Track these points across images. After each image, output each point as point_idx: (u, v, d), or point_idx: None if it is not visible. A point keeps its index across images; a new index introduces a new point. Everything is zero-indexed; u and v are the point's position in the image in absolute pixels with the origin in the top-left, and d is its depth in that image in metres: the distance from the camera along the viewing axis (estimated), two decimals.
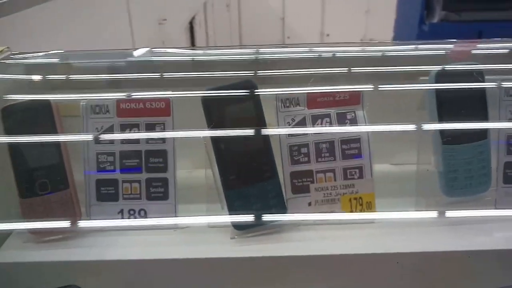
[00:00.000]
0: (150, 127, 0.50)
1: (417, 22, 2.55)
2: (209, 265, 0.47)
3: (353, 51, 0.63)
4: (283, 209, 0.49)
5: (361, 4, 3.89)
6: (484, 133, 0.49)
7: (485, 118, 0.48)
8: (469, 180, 0.49)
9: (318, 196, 0.50)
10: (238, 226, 0.48)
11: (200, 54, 0.67)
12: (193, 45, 3.09)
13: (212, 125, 0.47)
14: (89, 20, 1.45)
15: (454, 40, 0.63)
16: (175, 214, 0.50)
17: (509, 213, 0.50)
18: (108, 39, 1.61)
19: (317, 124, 0.50)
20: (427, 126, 0.48)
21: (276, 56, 0.63)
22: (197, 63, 0.63)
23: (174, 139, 0.50)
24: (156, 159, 0.50)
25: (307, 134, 0.50)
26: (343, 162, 0.50)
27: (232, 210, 0.48)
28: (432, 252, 0.47)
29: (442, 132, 0.48)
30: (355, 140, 0.50)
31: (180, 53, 0.70)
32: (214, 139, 0.48)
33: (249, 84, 0.48)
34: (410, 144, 0.51)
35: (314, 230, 0.50)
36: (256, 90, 0.48)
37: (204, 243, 0.49)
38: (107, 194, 0.51)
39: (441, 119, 0.48)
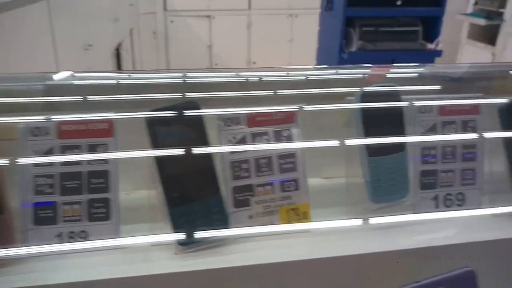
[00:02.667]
0: (92, 148, 0.50)
1: (337, 51, 2.73)
2: (154, 282, 0.48)
3: (279, 75, 0.68)
4: (226, 224, 0.51)
5: (284, 34, 4.09)
6: (402, 145, 0.55)
7: (402, 133, 0.55)
8: (392, 188, 0.55)
9: (258, 209, 0.53)
10: (182, 243, 0.50)
11: (126, 78, 0.69)
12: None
13: (156, 145, 0.49)
14: (12, 46, 1.40)
15: (366, 65, 0.70)
16: (117, 234, 0.51)
17: (426, 216, 0.57)
18: (32, 65, 1.55)
19: (257, 141, 0.53)
20: (353, 141, 0.54)
21: (203, 79, 0.67)
22: (122, 86, 0.64)
23: (117, 160, 0.50)
24: (97, 180, 0.50)
25: (247, 150, 0.53)
26: (280, 175, 0.53)
27: (176, 227, 0.49)
28: (362, 254, 0.51)
29: (367, 146, 0.54)
30: (290, 155, 0.54)
31: (112, 77, 0.71)
32: (158, 159, 0.49)
33: (193, 105, 0.51)
34: (338, 158, 0.57)
35: (255, 241, 0.53)
36: (199, 111, 0.51)
37: (148, 261, 0.49)
38: (45, 217, 0.49)
39: (366, 134, 0.54)
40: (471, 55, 3.41)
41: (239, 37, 4.13)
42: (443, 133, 0.57)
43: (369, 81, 0.73)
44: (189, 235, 0.50)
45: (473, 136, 0.58)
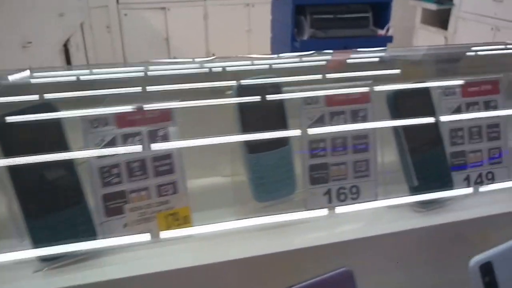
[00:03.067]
0: None
1: (289, 40, 2.70)
2: None
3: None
4: (93, 235, 0.48)
5: (242, 24, 4.04)
6: (285, 140, 0.53)
7: (284, 127, 0.52)
8: (275, 185, 0.52)
9: (133, 216, 0.49)
10: (45, 259, 0.46)
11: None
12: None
13: (9, 152, 0.45)
14: None
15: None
16: None
17: (317, 213, 0.55)
18: None
19: (128, 143, 0.50)
20: (228, 138, 0.51)
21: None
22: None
23: None
24: None
25: (117, 154, 0.49)
26: (156, 179, 0.50)
27: (36, 242, 0.45)
28: (252, 257, 0.49)
29: (246, 142, 0.51)
30: (166, 156, 0.50)
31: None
32: (11, 168, 0.45)
33: (48, 107, 0.47)
34: (225, 157, 0.53)
35: (133, 252, 0.49)
36: (58, 113, 0.47)
37: (5, 282, 0.45)
38: None
39: (244, 130, 0.51)
40: (425, 40, 3.44)
41: (196, 28, 4.05)
42: (331, 124, 0.55)
43: (330, 67, 0.70)
44: (52, 249, 0.46)
45: (364, 126, 0.56)
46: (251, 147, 0.51)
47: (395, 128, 0.55)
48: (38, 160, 0.45)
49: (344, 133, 0.55)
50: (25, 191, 0.45)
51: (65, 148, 0.47)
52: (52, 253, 0.46)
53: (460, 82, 0.59)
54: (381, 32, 2.71)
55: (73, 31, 3.06)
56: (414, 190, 0.55)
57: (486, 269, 0.45)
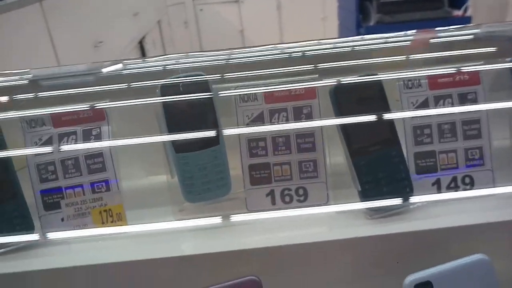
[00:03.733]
0: None
1: (354, 26, 2.59)
2: None
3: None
4: (31, 228, 0.51)
5: (317, 11, 3.95)
6: (216, 139, 0.51)
7: (215, 125, 0.50)
8: (206, 185, 0.51)
9: (70, 211, 0.52)
10: None
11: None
12: None
13: None
14: (11, 49, 1.48)
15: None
16: None
17: (258, 215, 0.52)
18: (33, 66, 1.64)
19: (63, 142, 0.52)
20: (159, 138, 0.50)
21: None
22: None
23: None
24: None
25: (52, 152, 0.51)
26: (89, 176, 0.52)
27: None
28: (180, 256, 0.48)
29: (173, 142, 0.50)
30: (98, 155, 0.52)
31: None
32: None
33: None
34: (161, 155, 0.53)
35: (68, 245, 0.52)
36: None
37: None
38: None
39: (171, 129, 0.50)
40: None
41: (270, 19, 4.05)
42: (271, 123, 0.52)
43: (412, 47, 0.67)
44: None
45: (308, 124, 0.52)
46: (178, 146, 0.50)
47: (339, 127, 0.50)
48: None
49: (286, 131, 0.52)
50: None
51: (3, 147, 0.50)
52: None
53: (426, 72, 0.52)
54: (458, 13, 2.47)
55: (149, 29, 3.25)
56: (361, 196, 0.50)
57: None
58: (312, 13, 3.96)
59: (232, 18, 4.09)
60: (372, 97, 0.50)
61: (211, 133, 0.50)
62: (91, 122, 0.52)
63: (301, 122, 0.52)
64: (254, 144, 0.52)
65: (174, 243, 0.50)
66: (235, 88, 0.52)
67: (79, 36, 2.06)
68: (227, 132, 0.51)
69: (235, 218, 0.52)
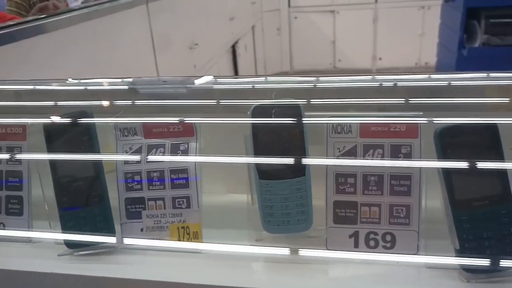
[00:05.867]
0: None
1: (456, 46, 2.43)
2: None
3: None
4: (112, 232, 0.52)
5: (414, 27, 3.77)
6: (302, 169, 0.48)
7: (303, 154, 0.48)
8: (286, 217, 0.48)
9: (149, 223, 0.52)
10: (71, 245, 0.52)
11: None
12: (235, 67, 3.20)
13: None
14: (113, 48, 1.58)
15: None
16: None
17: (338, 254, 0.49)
18: (132, 64, 1.74)
19: (152, 153, 0.52)
20: (244, 160, 0.49)
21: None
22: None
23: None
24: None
25: (140, 162, 0.52)
26: (172, 191, 0.52)
27: (64, 229, 0.52)
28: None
29: (258, 167, 0.48)
30: (183, 170, 0.51)
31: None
32: (52, 164, 0.52)
33: (86, 115, 0.52)
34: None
35: (145, 256, 0.52)
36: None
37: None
38: None
39: (257, 153, 0.48)
40: None
41: (364, 32, 3.94)
42: (363, 158, 0.48)
43: None
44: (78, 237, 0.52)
45: (406, 164, 0.47)
46: (262, 173, 0.48)
47: (441, 172, 0.45)
48: (74, 160, 0.52)
49: (379, 169, 0.48)
50: (61, 185, 0.52)
51: (97, 152, 0.52)
52: (75, 239, 0.51)
53: None
54: None
55: (243, 34, 3.31)
56: (458, 253, 0.44)
57: None
58: (409, 28, 3.79)
59: (325, 28, 4.04)
60: (484, 143, 0.44)
61: (298, 162, 0.47)
62: (180, 137, 0.52)
63: (398, 160, 0.47)
64: (342, 179, 0.48)
65: (247, 271, 0.48)
66: (329, 117, 0.49)
67: (177, 37, 2.15)
68: (315, 163, 0.48)
69: (313, 254, 0.49)
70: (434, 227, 0.47)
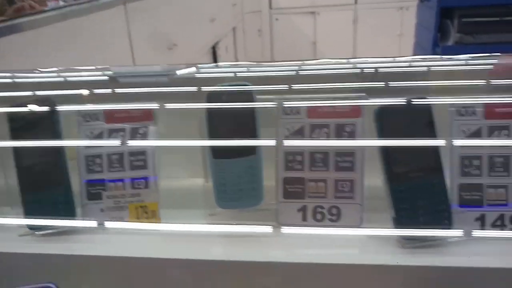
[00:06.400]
0: None
1: (431, 45, 2.49)
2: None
3: None
4: (73, 214, 0.54)
5: (393, 28, 3.84)
6: (253, 149, 0.51)
7: (254, 135, 0.51)
8: (238, 193, 0.51)
9: (109, 203, 0.54)
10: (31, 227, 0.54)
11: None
12: None
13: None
14: (90, 48, 1.59)
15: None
16: None
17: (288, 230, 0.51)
18: (109, 63, 1.75)
19: (112, 137, 0.55)
20: (200, 142, 0.52)
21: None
22: None
23: None
24: None
25: (101, 147, 0.55)
26: (131, 172, 0.54)
27: (27, 213, 0.54)
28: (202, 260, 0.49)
29: (212, 147, 0.51)
30: (141, 152, 0.54)
31: None
32: (15, 150, 0.54)
33: (49, 102, 0.55)
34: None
35: (104, 234, 0.54)
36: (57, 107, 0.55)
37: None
38: None
39: (211, 135, 0.51)
40: None
41: (344, 32, 4.00)
42: (311, 138, 0.51)
43: (494, 73, 0.66)
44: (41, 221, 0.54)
45: (349, 142, 0.50)
46: (215, 152, 0.51)
47: (380, 149, 0.48)
48: (36, 146, 0.54)
49: (325, 147, 0.51)
50: (23, 170, 0.54)
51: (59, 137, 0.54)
52: (37, 224, 0.54)
53: (484, 100, 0.48)
54: None
55: (223, 35, 3.34)
56: (395, 223, 0.47)
57: None
58: (389, 29, 3.86)
59: (306, 29, 4.09)
60: (419, 121, 0.48)
61: (249, 143, 0.50)
62: (140, 121, 0.55)
63: (342, 140, 0.51)
64: (291, 157, 0.52)
65: (202, 246, 0.51)
66: (279, 100, 0.52)
67: (156, 38, 2.17)
68: (266, 143, 0.51)
69: (264, 229, 0.52)
70: (377, 203, 0.50)
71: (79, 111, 0.55)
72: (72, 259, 0.52)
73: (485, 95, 0.51)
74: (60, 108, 0.55)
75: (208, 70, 0.71)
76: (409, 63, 0.67)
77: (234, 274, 0.49)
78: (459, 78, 0.59)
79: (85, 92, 0.60)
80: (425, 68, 0.65)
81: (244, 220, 0.52)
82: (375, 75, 0.63)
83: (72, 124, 0.56)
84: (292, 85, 0.57)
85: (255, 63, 0.66)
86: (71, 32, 1.52)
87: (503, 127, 0.48)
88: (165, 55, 2.24)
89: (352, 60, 0.71)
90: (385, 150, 0.48)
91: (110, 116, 0.55)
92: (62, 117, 0.56)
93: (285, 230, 0.51)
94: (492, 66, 0.63)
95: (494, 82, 0.55)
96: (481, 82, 0.55)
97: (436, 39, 2.44)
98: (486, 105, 0.49)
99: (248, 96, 0.51)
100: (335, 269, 0.47)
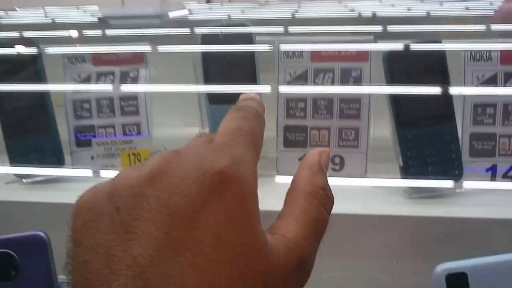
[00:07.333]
0: None
1: None
2: None
3: None
4: (62, 162, 0.51)
5: None
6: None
7: (253, 80, 0.47)
8: None
9: (100, 151, 0.51)
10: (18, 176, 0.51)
11: None
12: None
13: None
14: None
15: None
16: None
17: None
18: None
19: (101, 81, 0.51)
20: (195, 88, 0.48)
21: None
22: None
23: None
24: None
25: (89, 91, 0.51)
26: (122, 118, 0.51)
27: (12, 161, 0.51)
28: None
29: (208, 93, 0.48)
30: (132, 97, 0.51)
31: None
32: None
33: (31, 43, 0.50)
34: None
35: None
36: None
37: None
38: None
39: (207, 80, 0.48)
40: None
41: None
42: (314, 83, 0.48)
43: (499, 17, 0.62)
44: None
45: (355, 89, 0.47)
46: (212, 98, 0.48)
47: (389, 95, 0.45)
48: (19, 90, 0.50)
49: (329, 94, 0.48)
50: (6, 115, 0.50)
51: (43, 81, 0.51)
52: (24, 172, 0.51)
53: (498, 46, 0.45)
54: None
55: None
56: (402, 172, 0.45)
57: (455, 280, 0.36)
58: None
59: None
60: (431, 67, 0.45)
61: (247, 88, 0.47)
62: (130, 64, 0.51)
63: (347, 86, 0.47)
64: (293, 104, 0.48)
65: None
66: (280, 42, 0.48)
67: None
68: (265, 88, 0.48)
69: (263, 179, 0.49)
70: (383, 153, 0.47)
71: (65, 54, 0.51)
72: (62, 207, 0.49)
73: (498, 39, 0.48)
74: (45, 50, 0.51)
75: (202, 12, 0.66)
76: (408, 8, 0.63)
77: None
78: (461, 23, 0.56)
79: (73, 33, 0.55)
80: (424, 13, 0.61)
81: None
82: (374, 19, 0.59)
83: (59, 68, 0.52)
84: (290, 27, 0.53)
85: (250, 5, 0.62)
86: None
87: None
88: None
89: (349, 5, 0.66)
90: (393, 96, 0.45)
91: (98, 58, 0.51)
92: (48, 60, 0.52)
93: (281, 179, 0.49)
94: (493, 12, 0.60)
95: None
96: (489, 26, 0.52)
97: None
98: (502, 52, 0.46)
99: (246, 38, 0.47)
100: (338, 220, 0.45)
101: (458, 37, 0.52)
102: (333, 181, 0.49)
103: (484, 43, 0.46)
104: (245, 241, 0.15)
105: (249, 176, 0.17)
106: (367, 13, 0.59)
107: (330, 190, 0.21)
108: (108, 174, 0.51)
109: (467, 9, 0.62)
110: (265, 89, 0.48)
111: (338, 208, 0.43)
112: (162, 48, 0.51)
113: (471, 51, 0.46)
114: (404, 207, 0.44)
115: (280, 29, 0.53)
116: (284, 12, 0.61)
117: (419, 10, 0.63)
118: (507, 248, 0.35)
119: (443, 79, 0.45)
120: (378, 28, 0.52)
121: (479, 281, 0.35)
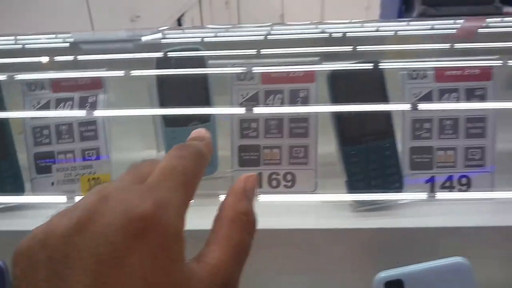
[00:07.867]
0: None
1: (396, 17, 2.50)
2: None
3: None
4: (22, 190, 0.52)
5: (361, 1, 3.84)
6: (207, 117, 0.50)
7: (207, 102, 0.50)
8: None
9: (60, 176, 0.53)
10: None
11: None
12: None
13: None
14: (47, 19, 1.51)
15: None
16: None
17: None
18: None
19: (60, 108, 0.53)
20: (151, 111, 0.50)
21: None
22: None
23: None
24: None
25: (48, 117, 0.52)
26: (81, 143, 0.52)
27: None
28: None
29: (163, 115, 0.50)
30: (91, 122, 0.52)
31: None
32: None
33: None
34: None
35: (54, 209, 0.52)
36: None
37: None
38: None
39: (162, 103, 0.50)
40: None
41: (312, 5, 3.98)
42: (265, 104, 0.50)
43: (458, 36, 0.66)
44: None
45: (303, 109, 0.50)
46: (167, 121, 0.50)
47: (333, 113, 0.48)
48: None
49: (279, 113, 0.50)
50: None
51: (2, 108, 0.52)
52: None
53: (433, 64, 0.49)
54: (509, 9, 2.33)
55: (189, 7, 3.25)
56: (347, 187, 0.48)
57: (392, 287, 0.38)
58: (356, 2, 3.86)
59: (273, 1, 4.04)
60: (370, 85, 0.48)
61: (202, 110, 0.49)
62: (88, 90, 0.52)
63: (296, 106, 0.50)
64: (246, 125, 0.51)
65: None
66: (232, 65, 0.51)
67: (117, 9, 2.09)
68: (219, 110, 0.50)
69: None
70: (332, 169, 0.50)
71: (23, 80, 0.53)
72: (22, 235, 0.50)
73: (439, 58, 0.51)
74: (2, 77, 0.52)
75: (174, 36, 0.69)
76: (376, 28, 0.67)
77: (188, 243, 0.49)
78: (424, 42, 0.60)
79: (44, 59, 0.57)
80: (392, 33, 0.65)
81: (199, 190, 0.51)
82: (343, 40, 0.62)
83: (18, 95, 0.53)
84: (261, 50, 0.56)
85: (222, 27, 0.65)
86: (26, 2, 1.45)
87: (453, 90, 0.49)
88: (127, 27, 2.17)
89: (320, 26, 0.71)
90: (336, 114, 0.48)
91: (57, 85, 0.53)
92: (8, 87, 0.53)
93: None
94: (455, 30, 0.64)
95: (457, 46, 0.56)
96: (443, 46, 0.56)
97: (401, 11, 2.46)
98: (436, 69, 0.50)
99: (199, 62, 0.50)
100: (291, 234, 0.47)
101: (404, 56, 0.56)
102: (286, 198, 0.51)
103: (420, 62, 0.50)
104: (170, 281, 0.17)
105: (173, 218, 0.18)
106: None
107: (253, 214, 0.22)
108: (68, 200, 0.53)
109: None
110: (218, 111, 0.50)
111: (291, 223, 0.46)
112: (117, 73, 0.52)
113: (407, 70, 0.49)
114: (349, 220, 0.46)
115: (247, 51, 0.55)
116: (256, 34, 0.64)
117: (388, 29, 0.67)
118: (443, 255, 0.38)
119: (383, 97, 0.48)
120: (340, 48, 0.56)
121: (414, 287, 0.38)
